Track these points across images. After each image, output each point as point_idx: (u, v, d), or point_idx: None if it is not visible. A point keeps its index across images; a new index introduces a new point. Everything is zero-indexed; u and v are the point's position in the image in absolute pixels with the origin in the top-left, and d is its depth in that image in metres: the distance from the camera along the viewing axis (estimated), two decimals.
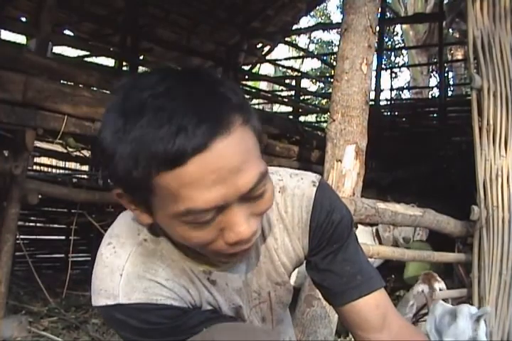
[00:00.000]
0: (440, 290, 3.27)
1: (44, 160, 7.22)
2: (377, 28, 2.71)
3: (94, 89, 4.10)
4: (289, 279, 1.23)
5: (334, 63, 2.60)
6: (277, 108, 15.71)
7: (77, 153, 5.37)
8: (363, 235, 3.70)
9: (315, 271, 1.19)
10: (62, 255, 6.24)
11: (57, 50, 6.26)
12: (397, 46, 19.56)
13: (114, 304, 0.97)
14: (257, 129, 0.90)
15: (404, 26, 15.71)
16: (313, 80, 17.91)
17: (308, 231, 1.14)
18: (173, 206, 0.84)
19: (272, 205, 0.98)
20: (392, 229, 4.32)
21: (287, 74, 13.46)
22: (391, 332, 1.17)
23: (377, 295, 1.17)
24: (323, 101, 15.18)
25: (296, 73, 11.93)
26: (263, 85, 16.35)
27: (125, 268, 0.99)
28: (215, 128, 0.81)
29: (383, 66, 9.74)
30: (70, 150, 4.09)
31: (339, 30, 2.69)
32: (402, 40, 18.37)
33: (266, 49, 9.97)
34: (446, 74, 13.68)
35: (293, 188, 1.13)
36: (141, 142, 0.80)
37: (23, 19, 7.18)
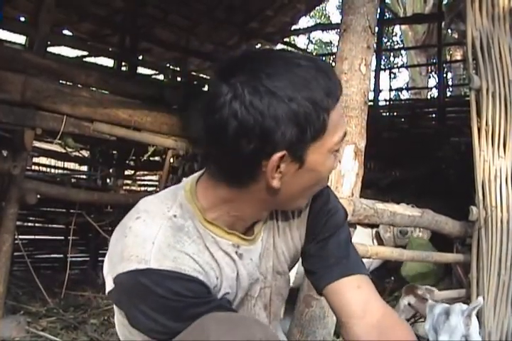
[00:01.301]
0: (430, 291, 3.25)
1: (43, 160, 7.21)
2: (376, 29, 2.71)
3: (93, 89, 4.09)
4: (288, 271, 1.30)
5: (333, 63, 2.60)
6: None
7: (76, 153, 5.38)
8: (362, 236, 3.69)
9: (306, 259, 1.29)
10: (61, 255, 6.21)
11: (56, 50, 6.24)
12: (396, 47, 19.55)
13: (144, 268, 1.00)
14: None
15: (403, 27, 15.70)
16: None
17: (306, 221, 1.26)
18: (335, 135, 1.06)
19: None
20: (393, 229, 4.31)
21: None
22: (373, 319, 1.19)
23: (359, 279, 1.22)
24: None
25: None
26: None
27: (157, 238, 1.04)
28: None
29: (382, 66, 9.74)
30: (69, 150, 4.10)
31: (338, 30, 2.69)
32: (401, 41, 18.38)
33: None
34: (445, 75, 13.69)
35: None
36: (326, 89, 1.02)
37: (22, 19, 7.17)
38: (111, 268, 1.05)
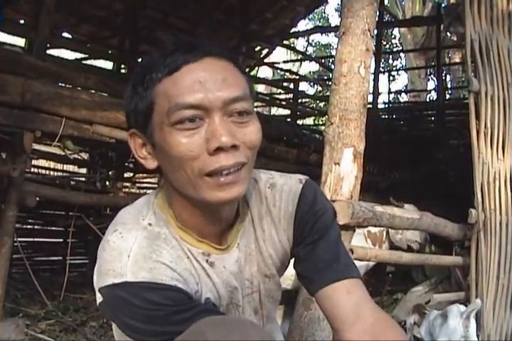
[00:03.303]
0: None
1: (42, 162, 7.22)
2: (375, 31, 2.71)
3: (93, 91, 4.09)
4: (277, 273, 1.29)
5: (332, 66, 2.60)
6: (275, 111, 15.74)
7: (75, 156, 5.38)
8: (354, 236, 3.69)
9: (298, 262, 1.27)
10: (60, 257, 6.21)
11: (56, 52, 6.25)
12: (395, 49, 19.58)
13: (120, 282, 1.02)
14: (249, 82, 1.12)
15: (402, 29, 15.75)
16: (311, 83, 17.93)
17: (293, 223, 1.24)
18: (166, 107, 1.03)
19: (264, 176, 1.22)
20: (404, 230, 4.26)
21: (285, 77, 13.48)
22: (365, 324, 1.17)
23: (350, 283, 1.20)
24: (321, 104, 15.19)
25: (294, 76, 11.94)
26: (261, 88, 16.38)
27: (132, 250, 1.06)
28: (208, 51, 1.06)
29: (381, 69, 9.73)
30: (68, 152, 4.10)
31: (337, 33, 2.69)
32: (400, 44, 18.41)
33: (264, 52, 9.98)
34: (443, 78, 13.73)
35: (282, 185, 1.26)
36: (149, 67, 1.07)
37: (22, 22, 7.17)
38: (96, 282, 1.08)
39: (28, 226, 6.25)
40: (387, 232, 4.26)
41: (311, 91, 18.22)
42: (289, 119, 9.09)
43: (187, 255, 1.12)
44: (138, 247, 1.06)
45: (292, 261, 1.30)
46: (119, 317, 1.05)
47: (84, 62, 7.05)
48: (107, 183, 6.41)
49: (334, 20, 21.66)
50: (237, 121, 1.05)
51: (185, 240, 1.13)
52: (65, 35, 7.62)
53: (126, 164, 6.04)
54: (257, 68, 11.52)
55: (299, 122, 10.52)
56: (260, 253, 1.24)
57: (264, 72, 18.97)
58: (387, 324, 1.20)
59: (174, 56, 1.04)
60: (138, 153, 1.12)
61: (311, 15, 17.61)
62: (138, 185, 7.44)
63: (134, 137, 1.12)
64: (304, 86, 19.07)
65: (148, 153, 1.11)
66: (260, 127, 1.10)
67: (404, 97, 17.86)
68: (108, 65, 8.33)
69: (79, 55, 7.36)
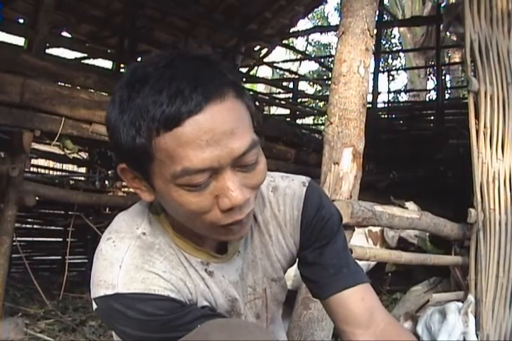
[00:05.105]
0: None
1: (41, 162, 7.22)
2: (375, 31, 2.71)
3: (92, 91, 4.09)
4: (284, 276, 1.28)
5: (332, 65, 2.60)
6: (275, 110, 15.74)
7: (75, 155, 5.38)
8: (355, 236, 3.70)
9: (304, 266, 1.25)
10: (59, 257, 6.22)
11: (55, 51, 6.26)
12: (394, 49, 19.58)
13: (112, 294, 1.00)
14: (250, 106, 0.99)
15: (401, 29, 15.75)
16: (311, 83, 17.93)
17: (300, 228, 1.21)
18: (170, 167, 0.91)
19: (265, 180, 1.04)
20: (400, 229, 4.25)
21: (285, 76, 13.47)
22: (377, 329, 1.18)
23: (362, 289, 1.20)
24: (321, 104, 15.20)
25: (293, 75, 11.94)
26: (260, 88, 16.39)
27: (124, 260, 1.03)
28: (209, 94, 0.90)
29: (381, 69, 9.74)
30: (67, 152, 4.09)
31: (337, 32, 2.69)
32: (400, 43, 18.42)
33: (263, 51, 9.98)
34: (443, 77, 13.73)
35: (284, 188, 1.22)
36: (142, 108, 0.90)
37: (21, 21, 7.17)
38: (90, 289, 1.06)
39: (28, 226, 6.26)
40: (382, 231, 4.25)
41: (310, 90, 18.21)
42: (288, 119, 9.11)
43: (184, 265, 1.09)
44: (130, 257, 1.03)
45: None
46: (114, 326, 1.05)
47: (84, 61, 7.06)
48: (106, 182, 6.41)
49: (334, 19, 21.67)
50: (245, 169, 0.96)
51: (183, 249, 1.10)
52: (65, 34, 7.63)
53: None
54: (256, 68, 11.51)
55: (299, 122, 10.52)
56: (268, 258, 1.22)
57: (264, 71, 19.01)
58: (399, 329, 1.22)
59: (172, 104, 0.88)
60: (131, 183, 1.03)
61: (310, 15, 17.58)
62: None
63: (125, 172, 1.02)
64: (303, 85, 19.04)
65: (143, 185, 1.02)
66: (265, 161, 1.01)
67: (403, 97, 17.87)
68: (107, 64, 8.33)
69: (78, 55, 7.37)
